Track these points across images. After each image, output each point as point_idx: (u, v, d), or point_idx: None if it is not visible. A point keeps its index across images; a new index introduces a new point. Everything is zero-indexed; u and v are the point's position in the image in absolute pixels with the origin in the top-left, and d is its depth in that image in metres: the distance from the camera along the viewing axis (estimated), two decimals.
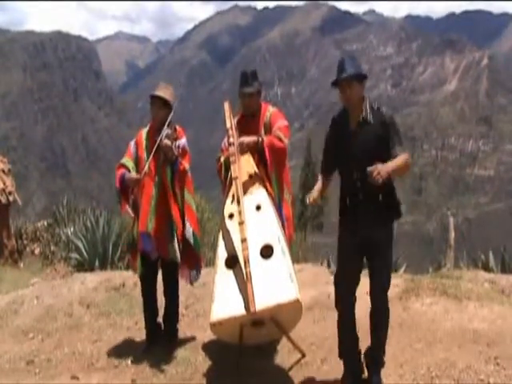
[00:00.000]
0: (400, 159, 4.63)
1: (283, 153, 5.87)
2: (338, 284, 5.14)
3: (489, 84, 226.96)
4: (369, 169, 4.44)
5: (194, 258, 6.45)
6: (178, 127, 6.24)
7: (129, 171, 6.17)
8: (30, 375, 6.23)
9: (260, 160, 5.88)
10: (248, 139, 5.81)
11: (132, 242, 6.43)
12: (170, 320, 6.56)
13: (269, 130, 5.97)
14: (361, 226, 4.91)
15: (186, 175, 6.28)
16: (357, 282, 5.10)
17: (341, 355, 5.31)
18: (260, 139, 5.79)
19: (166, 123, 6.07)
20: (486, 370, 5.30)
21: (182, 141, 6.17)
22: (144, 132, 6.39)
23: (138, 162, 6.25)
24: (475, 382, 5.14)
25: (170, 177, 6.14)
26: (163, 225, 6.16)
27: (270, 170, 5.84)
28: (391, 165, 4.54)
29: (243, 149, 5.83)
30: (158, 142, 5.97)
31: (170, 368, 5.96)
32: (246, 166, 5.89)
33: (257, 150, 5.85)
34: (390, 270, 5.08)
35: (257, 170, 5.83)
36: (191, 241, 6.30)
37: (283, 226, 5.91)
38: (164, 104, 6.17)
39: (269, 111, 6.11)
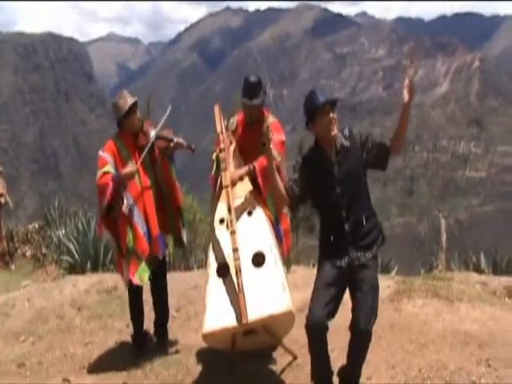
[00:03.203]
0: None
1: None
2: (313, 316, 4.73)
3: (480, 86, 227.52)
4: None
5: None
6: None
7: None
8: (21, 378, 6.22)
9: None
10: (240, 172, 5.74)
11: (129, 251, 6.10)
12: (160, 321, 6.55)
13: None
14: (349, 256, 4.76)
15: None
16: (336, 312, 4.84)
17: (313, 376, 5.14)
18: (252, 167, 5.72)
19: (161, 123, 6.10)
20: (477, 371, 5.32)
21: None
22: (116, 142, 6.14)
23: (118, 170, 6.05)
24: (467, 383, 5.16)
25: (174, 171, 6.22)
26: (166, 220, 6.27)
27: (264, 195, 5.76)
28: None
29: (237, 181, 5.75)
30: (150, 143, 5.98)
31: (161, 370, 5.96)
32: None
33: (250, 178, 5.77)
34: (377, 299, 4.78)
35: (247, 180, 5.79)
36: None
37: (281, 240, 5.90)
38: (135, 107, 6.12)
39: (267, 122, 5.96)
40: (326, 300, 4.74)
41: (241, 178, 5.74)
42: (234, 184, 5.68)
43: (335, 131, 4.77)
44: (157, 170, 6.19)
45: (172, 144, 6.03)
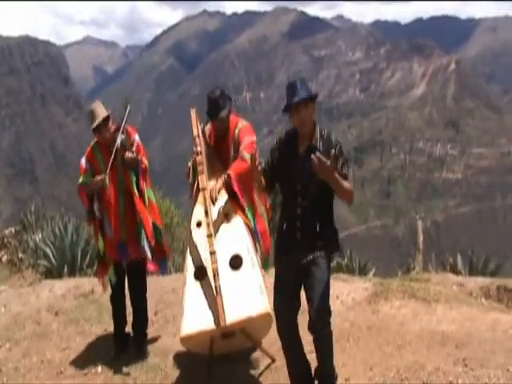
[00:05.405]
0: (347, 183, 4.51)
1: (249, 172, 5.74)
2: (278, 311, 4.87)
3: (456, 88, 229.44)
4: (317, 156, 4.28)
5: (160, 250, 6.46)
6: (128, 128, 6.24)
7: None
8: None
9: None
10: (218, 185, 5.71)
11: (99, 254, 6.39)
12: (139, 326, 6.54)
13: (237, 147, 5.87)
14: (297, 252, 4.77)
15: (147, 172, 6.33)
16: (298, 307, 4.92)
17: (290, 376, 5.19)
18: (227, 176, 5.69)
19: (120, 130, 6.10)
20: (454, 371, 5.34)
21: (136, 137, 6.20)
22: (93, 147, 6.32)
23: (95, 175, 6.18)
24: (444, 383, 5.18)
25: (135, 180, 6.17)
26: (134, 228, 6.19)
27: (241, 201, 5.72)
28: (339, 178, 4.42)
29: (217, 196, 5.71)
30: (114, 150, 6.01)
31: (139, 375, 5.94)
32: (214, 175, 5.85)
33: (227, 187, 5.74)
34: (328, 298, 4.76)
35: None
36: (155, 234, 6.34)
37: (258, 240, 5.87)
38: (106, 121, 6.15)
39: (238, 128, 5.95)
40: (287, 299, 4.85)
41: (219, 191, 5.71)
42: (214, 201, 5.65)
43: (306, 129, 4.73)
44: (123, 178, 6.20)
45: (128, 155, 6.02)
